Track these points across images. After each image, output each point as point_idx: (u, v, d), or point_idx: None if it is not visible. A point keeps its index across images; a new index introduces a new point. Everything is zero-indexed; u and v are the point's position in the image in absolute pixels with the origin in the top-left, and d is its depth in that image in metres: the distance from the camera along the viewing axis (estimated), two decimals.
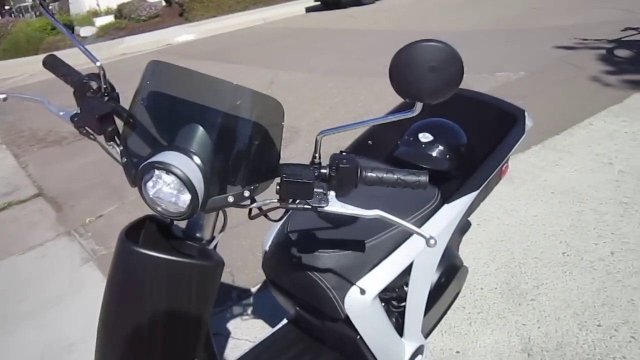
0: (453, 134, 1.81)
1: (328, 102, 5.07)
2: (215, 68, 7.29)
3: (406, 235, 1.47)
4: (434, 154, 1.71)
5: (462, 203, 1.56)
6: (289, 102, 5.25)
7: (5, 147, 5.67)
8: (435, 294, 1.84)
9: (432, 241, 0.95)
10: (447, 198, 1.57)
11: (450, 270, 1.93)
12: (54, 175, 4.62)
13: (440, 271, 1.90)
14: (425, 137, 1.74)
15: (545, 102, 4.31)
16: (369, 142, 2.00)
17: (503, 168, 1.84)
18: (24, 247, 3.47)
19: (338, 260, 1.37)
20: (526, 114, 1.84)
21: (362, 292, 1.37)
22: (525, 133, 1.79)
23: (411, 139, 1.76)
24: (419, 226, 1.48)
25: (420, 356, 1.71)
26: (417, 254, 1.48)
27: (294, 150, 4.03)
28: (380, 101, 4.82)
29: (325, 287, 1.37)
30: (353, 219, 1.42)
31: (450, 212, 1.54)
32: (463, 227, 2.14)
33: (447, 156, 1.72)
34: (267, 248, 1.52)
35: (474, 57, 5.66)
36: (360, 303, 1.38)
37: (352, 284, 1.37)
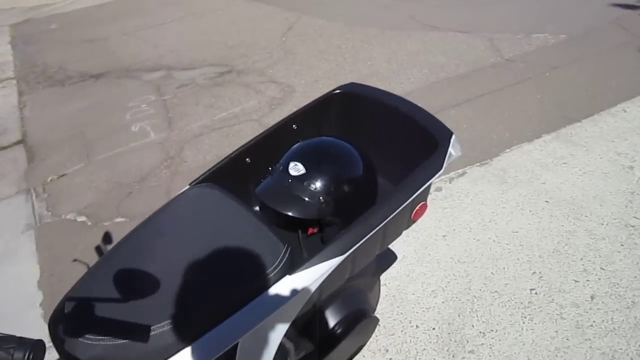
0: (339, 164, 1.37)
1: (338, 57, 4.54)
2: (241, 5, 6.79)
3: (228, 312, 1.09)
4: (301, 194, 1.29)
5: (313, 274, 1.15)
6: (298, 54, 4.78)
7: (15, 83, 5.54)
8: (326, 345, 1.48)
9: None
10: (295, 264, 1.16)
11: (352, 319, 1.55)
12: (43, 121, 4.44)
13: (337, 319, 1.53)
14: (296, 169, 1.31)
15: (577, 77, 3.62)
16: (294, 126, 1.58)
17: (417, 208, 1.39)
18: None
19: (107, 350, 1.02)
20: (453, 139, 1.36)
21: None
22: (444, 167, 1.32)
23: (281, 168, 1.33)
24: (242, 303, 1.09)
25: None
26: (244, 336, 1.10)
27: (283, 113, 3.62)
28: (392, 61, 4.25)
29: None
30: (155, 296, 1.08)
31: (295, 285, 1.14)
32: (382, 261, 1.72)
33: (320, 198, 1.29)
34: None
35: (511, 13, 4.90)
36: None
37: None
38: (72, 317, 1.09)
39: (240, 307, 1.09)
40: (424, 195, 1.37)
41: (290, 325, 1.30)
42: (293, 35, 5.30)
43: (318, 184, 1.29)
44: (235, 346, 1.13)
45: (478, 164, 2.82)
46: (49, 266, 2.58)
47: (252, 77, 4.45)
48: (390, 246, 2.19)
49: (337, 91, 1.62)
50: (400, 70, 4.07)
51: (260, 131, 1.55)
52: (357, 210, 1.25)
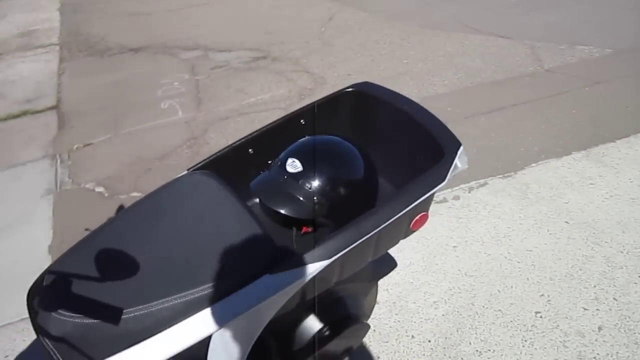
0: (339, 165, 1.34)
1: (374, 52, 4.47)
2: None
3: (203, 303, 1.07)
4: (295, 192, 1.26)
5: (294, 276, 1.12)
6: (335, 46, 4.72)
7: (58, 49, 5.66)
8: (311, 347, 1.46)
9: None
10: (280, 263, 1.13)
11: (341, 324, 1.51)
12: (78, 89, 4.52)
13: (326, 322, 1.50)
14: (294, 165, 1.28)
15: (617, 95, 3.46)
16: (302, 121, 1.55)
17: (417, 218, 1.34)
18: (8, 163, 3.42)
19: (76, 328, 1.02)
20: (461, 151, 1.30)
21: None
22: (447, 179, 1.27)
23: (279, 163, 1.31)
24: (217, 297, 1.07)
25: None
26: (217, 330, 1.09)
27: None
28: (428, 61, 4.16)
29: (57, 357, 1.03)
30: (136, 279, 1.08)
31: (274, 285, 1.11)
32: (379, 267, 1.67)
33: (314, 198, 1.25)
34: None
35: (557, 22, 4.72)
36: None
37: None
38: (48, 291, 1.09)
39: (215, 301, 1.07)
40: (425, 206, 1.32)
41: (274, 322, 1.28)
42: (333, 26, 5.24)
43: (314, 184, 1.26)
44: (208, 340, 1.11)
45: (501, 175, 2.73)
46: (61, 233, 2.63)
47: (285, 65, 4.42)
48: (397, 251, 2.16)
49: (350, 89, 1.58)
50: (435, 71, 3.98)
51: None
52: (352, 214, 1.21)
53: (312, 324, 1.50)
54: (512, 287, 2.07)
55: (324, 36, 4.99)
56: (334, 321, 1.52)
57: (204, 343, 1.11)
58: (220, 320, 1.08)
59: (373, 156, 1.53)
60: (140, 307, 1.04)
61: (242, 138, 1.49)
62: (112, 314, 1.03)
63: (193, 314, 1.06)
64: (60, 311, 1.03)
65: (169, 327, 1.05)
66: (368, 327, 1.63)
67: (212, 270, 1.10)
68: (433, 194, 1.28)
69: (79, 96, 4.36)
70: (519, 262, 2.19)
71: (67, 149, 3.51)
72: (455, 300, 2.04)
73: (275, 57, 4.62)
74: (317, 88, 3.94)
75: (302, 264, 1.11)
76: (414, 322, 1.96)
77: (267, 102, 3.81)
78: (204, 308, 1.07)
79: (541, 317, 1.94)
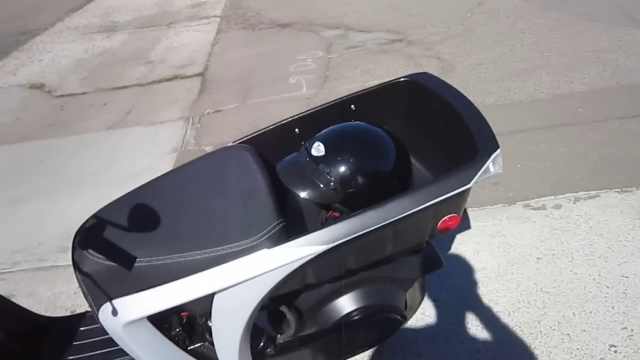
0: (364, 156, 1.32)
1: (515, 42, 4.17)
2: None
3: (209, 264, 1.16)
4: (313, 176, 1.27)
5: (291, 256, 1.14)
6: (475, 33, 4.51)
7: (218, 21, 6.16)
8: (335, 327, 1.49)
9: None
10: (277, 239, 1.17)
11: (370, 310, 1.51)
12: (224, 59, 4.90)
13: (357, 306, 1.51)
14: (318, 149, 1.29)
15: None
16: (352, 106, 1.57)
17: (445, 218, 1.28)
18: (151, 120, 3.86)
19: (99, 268, 1.17)
20: (496, 154, 1.21)
21: (115, 312, 1.16)
22: (473, 181, 1.19)
23: (307, 146, 1.33)
24: (219, 261, 1.15)
25: None
26: (219, 290, 1.17)
27: None
28: (572, 55, 3.78)
29: (84, 289, 1.19)
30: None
31: (270, 261, 1.15)
32: (423, 263, 1.62)
33: (331, 184, 1.26)
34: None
35: None
36: (112, 322, 1.19)
37: (109, 298, 1.17)
38: (86, 232, 1.25)
39: (215, 265, 1.15)
40: (453, 207, 1.26)
41: (300, 298, 1.34)
42: (480, 12, 4.99)
43: (333, 170, 1.26)
44: (212, 299, 1.20)
45: (618, 189, 2.43)
46: None
47: (418, 50, 4.34)
48: (474, 252, 2.06)
49: (407, 79, 1.53)
50: (578, 67, 3.61)
51: None
52: (370, 205, 1.20)
53: (342, 305, 1.52)
54: (591, 312, 1.87)
55: (467, 22, 4.78)
56: (366, 306, 1.52)
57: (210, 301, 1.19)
58: (218, 284, 1.16)
59: (418, 149, 1.48)
60: (151, 258, 1.15)
61: (291, 117, 1.53)
62: (126, 260, 1.16)
63: (199, 271, 1.15)
64: (90, 251, 1.18)
65: (177, 279, 1.15)
66: (401, 321, 1.60)
67: (217, 236, 1.18)
68: (461, 195, 1.22)
69: (223, 66, 4.73)
70: (608, 287, 1.95)
71: (199, 113, 3.85)
72: (521, 314, 1.89)
73: (411, 41, 4.55)
74: (442, 75, 3.81)
75: (299, 245, 1.13)
76: (468, 328, 1.87)
77: None
78: (207, 268, 1.15)
79: (616, 351, 1.73)
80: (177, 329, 1.32)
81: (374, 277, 1.52)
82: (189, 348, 1.34)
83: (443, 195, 1.17)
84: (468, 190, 1.22)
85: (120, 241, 1.21)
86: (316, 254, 1.14)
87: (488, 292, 1.99)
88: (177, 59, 5.08)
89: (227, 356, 1.29)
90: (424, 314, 1.93)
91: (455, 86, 1.47)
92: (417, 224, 1.25)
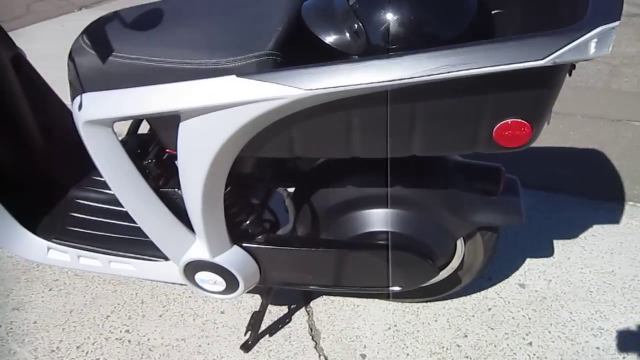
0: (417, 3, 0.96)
1: None
2: None
3: (175, 76, 0.97)
4: (337, 8, 0.97)
5: (265, 90, 0.86)
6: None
7: None
8: (342, 245, 1.21)
9: None
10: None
11: (398, 241, 1.19)
12: None
13: (380, 228, 1.21)
14: None
15: None
16: None
17: (500, 124, 0.88)
18: None
19: (85, 58, 1.03)
20: (607, 29, 0.76)
21: (80, 107, 1.05)
22: (549, 58, 0.76)
23: None
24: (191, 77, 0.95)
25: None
26: (181, 110, 0.96)
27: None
28: None
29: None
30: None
31: (234, 91, 0.89)
32: (496, 208, 1.19)
33: (355, 26, 0.95)
34: None
35: None
36: (77, 118, 1.07)
37: (82, 91, 1.05)
38: (91, 27, 1.12)
39: (182, 78, 0.95)
40: (519, 104, 0.85)
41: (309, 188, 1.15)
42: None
43: (365, 9, 0.95)
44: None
45: None
46: None
47: None
48: (607, 253, 1.56)
49: None
50: None
51: None
52: None
53: (363, 220, 1.23)
54: None
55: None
56: (393, 233, 1.19)
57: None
58: (180, 101, 0.95)
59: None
60: (129, 55, 1.00)
61: None
62: (108, 53, 1.02)
63: (165, 82, 0.97)
64: (84, 38, 1.06)
65: (141, 85, 0.99)
66: (432, 272, 1.21)
67: (196, 49, 0.98)
68: (531, 80, 0.81)
69: None
70: None
71: None
72: (636, 341, 1.32)
73: None
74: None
75: (272, 80, 0.86)
76: (543, 333, 1.36)
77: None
78: (173, 80, 0.96)
79: None
80: (151, 160, 1.16)
81: (416, 200, 1.17)
82: (160, 190, 1.17)
83: (493, 64, 0.77)
84: (547, 78, 0.81)
85: (113, 36, 1.07)
86: (300, 99, 0.85)
87: (602, 300, 1.44)
88: None
89: (193, 206, 1.09)
90: (503, 299, 1.47)
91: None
92: (459, 114, 0.87)
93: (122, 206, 1.23)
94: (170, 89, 0.96)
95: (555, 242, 1.65)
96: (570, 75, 0.90)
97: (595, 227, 1.70)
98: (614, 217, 1.73)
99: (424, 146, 0.93)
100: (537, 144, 2.25)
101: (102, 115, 1.03)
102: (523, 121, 0.86)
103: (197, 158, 1.00)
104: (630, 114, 2.33)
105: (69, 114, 1.10)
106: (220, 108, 0.92)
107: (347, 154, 0.97)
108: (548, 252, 1.61)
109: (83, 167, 1.47)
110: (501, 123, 0.87)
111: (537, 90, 0.84)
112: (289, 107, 0.88)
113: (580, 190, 1.85)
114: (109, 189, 1.24)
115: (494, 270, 1.55)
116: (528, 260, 1.59)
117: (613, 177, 1.92)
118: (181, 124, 0.98)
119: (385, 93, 0.85)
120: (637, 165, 1.96)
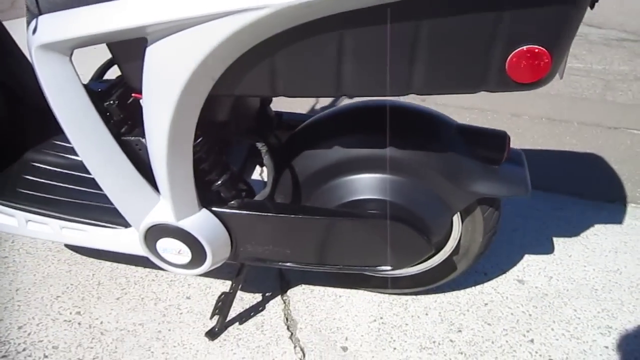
0: None
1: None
2: None
3: None
4: None
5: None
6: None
7: None
8: (326, 215, 1.07)
9: None
10: None
11: (396, 212, 1.06)
12: None
13: (376, 196, 1.07)
14: None
15: None
16: None
17: (515, 52, 0.77)
18: None
19: None
20: None
21: (35, 30, 0.90)
22: None
23: None
24: None
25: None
26: (148, 23, 0.81)
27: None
28: None
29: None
30: None
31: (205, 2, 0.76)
32: (499, 179, 1.07)
33: None
34: None
35: None
36: (30, 41, 0.91)
37: (38, 13, 0.90)
38: None
39: None
40: (534, 29, 0.73)
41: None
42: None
43: None
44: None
45: None
46: None
47: None
48: (611, 252, 1.44)
49: None
50: None
51: None
52: None
53: (350, 188, 1.09)
54: None
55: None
56: (386, 202, 1.06)
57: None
58: (144, 16, 0.80)
59: None
60: None
61: None
62: None
63: None
64: None
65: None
66: (429, 247, 1.07)
67: None
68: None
69: None
70: None
71: None
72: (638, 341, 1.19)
73: None
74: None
75: None
76: (546, 331, 1.23)
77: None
78: None
79: None
80: (113, 102, 1.00)
81: (411, 165, 1.04)
82: (122, 138, 1.02)
83: None
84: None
85: None
86: (283, 8, 0.72)
87: (608, 298, 1.31)
88: None
89: (157, 155, 0.94)
90: (498, 290, 1.33)
91: None
92: (465, 34, 0.75)
93: (81, 172, 1.08)
94: (133, 2, 0.82)
95: (555, 239, 1.52)
96: (592, 8, 0.79)
97: (597, 226, 1.58)
98: (616, 217, 1.62)
99: (424, 82, 0.81)
100: (532, 145, 2.19)
101: (57, 37, 0.88)
102: (542, 48, 0.75)
103: (165, 91, 0.86)
104: (627, 122, 2.25)
105: (35, 74, 0.95)
106: (190, 24, 0.78)
107: (336, 92, 0.84)
108: (548, 249, 1.49)
109: (46, 131, 1.32)
110: (516, 50, 0.76)
111: (559, 12, 0.72)
112: (269, 22, 0.74)
113: (580, 191, 1.74)
114: (70, 154, 1.09)
115: (490, 265, 1.42)
116: (527, 257, 1.46)
117: (613, 180, 1.81)
118: (147, 50, 0.84)
119: (380, 11, 0.73)
120: (638, 170, 1.87)
